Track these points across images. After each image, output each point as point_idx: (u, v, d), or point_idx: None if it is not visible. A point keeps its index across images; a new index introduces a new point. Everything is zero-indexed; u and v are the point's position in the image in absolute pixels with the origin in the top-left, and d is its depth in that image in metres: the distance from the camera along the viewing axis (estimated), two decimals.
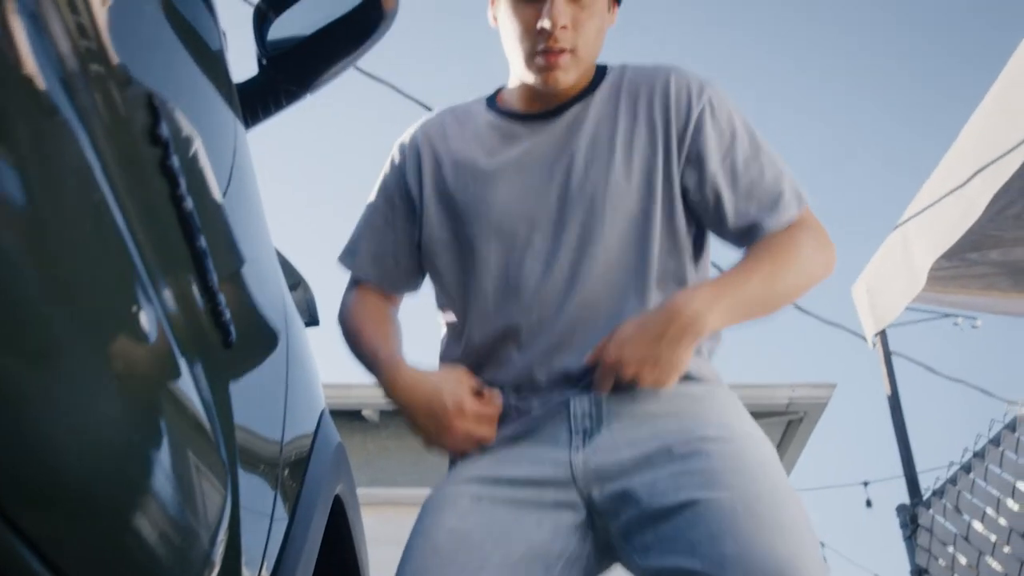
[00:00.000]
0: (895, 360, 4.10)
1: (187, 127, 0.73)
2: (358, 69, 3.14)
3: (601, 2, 1.20)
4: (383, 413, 7.27)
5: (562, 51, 1.17)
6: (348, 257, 1.39)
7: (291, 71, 1.08)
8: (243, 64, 1.11)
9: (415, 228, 1.32)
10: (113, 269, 0.49)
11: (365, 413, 7.24)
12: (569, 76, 1.20)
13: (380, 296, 1.37)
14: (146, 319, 0.53)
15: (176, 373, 0.57)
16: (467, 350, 1.25)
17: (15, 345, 0.38)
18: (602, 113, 1.24)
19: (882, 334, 3.98)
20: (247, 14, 1.13)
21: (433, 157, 1.31)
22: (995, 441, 3.09)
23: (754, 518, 0.98)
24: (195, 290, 0.67)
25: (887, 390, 4.04)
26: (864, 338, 3.95)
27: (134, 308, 0.51)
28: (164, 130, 0.61)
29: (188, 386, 0.60)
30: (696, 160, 1.22)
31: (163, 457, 0.53)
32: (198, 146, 0.77)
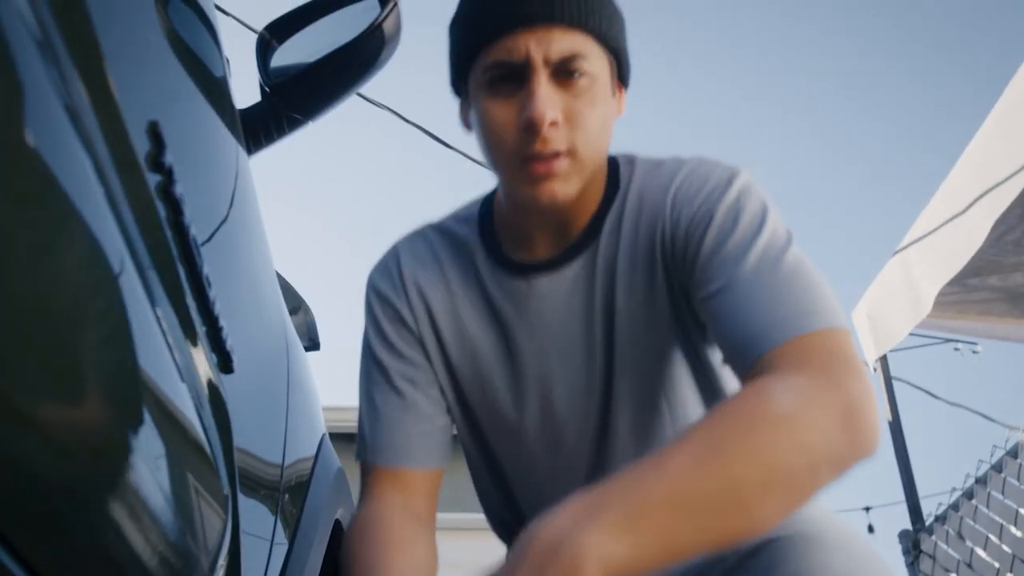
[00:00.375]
0: (896, 385, 4.09)
1: (190, 154, 0.74)
2: (360, 95, 3.16)
3: (601, 85, 0.92)
4: None
5: (556, 155, 0.89)
6: (365, 450, 1.06)
7: (294, 98, 1.09)
8: (246, 91, 1.12)
9: (435, 378, 1.06)
10: (114, 294, 0.49)
11: None
12: (570, 187, 0.91)
13: (402, 500, 1.01)
14: (147, 344, 0.53)
15: (177, 398, 0.57)
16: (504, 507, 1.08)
17: (14, 369, 0.38)
18: (608, 261, 0.97)
19: (883, 359, 3.97)
20: (250, 42, 1.15)
21: (427, 312, 1.05)
22: (997, 467, 3.08)
23: (809, 541, 0.89)
24: (196, 315, 0.68)
25: (888, 415, 4.03)
26: (865, 363, 3.94)
27: (135, 333, 0.51)
28: (167, 157, 0.62)
29: (189, 410, 0.60)
30: (683, 281, 0.94)
31: (163, 481, 0.53)
32: (201, 173, 0.78)
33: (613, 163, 1.02)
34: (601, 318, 0.97)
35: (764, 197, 0.93)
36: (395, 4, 1.08)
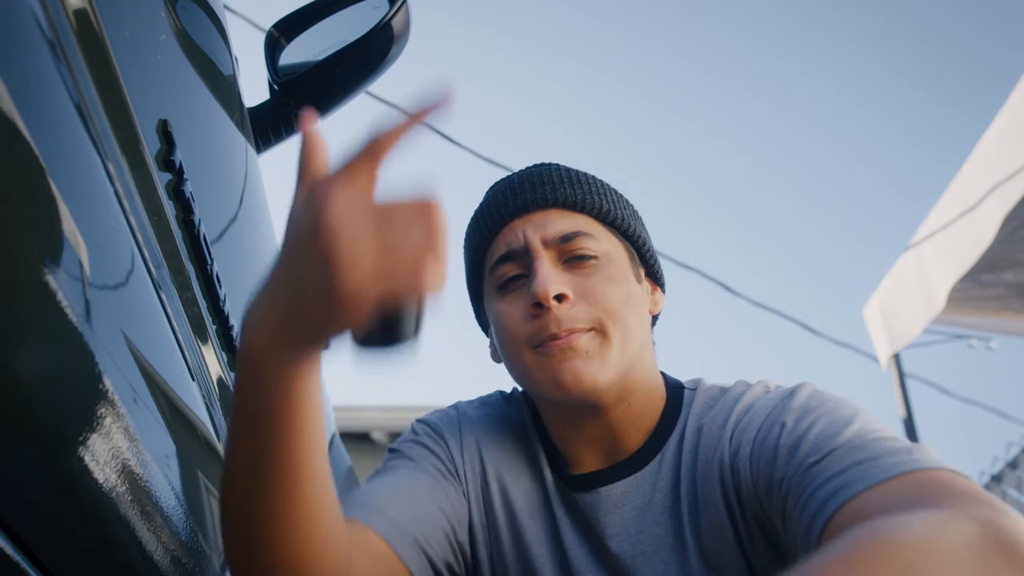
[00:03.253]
0: (909, 382, 4.08)
1: (200, 153, 0.74)
2: (369, 93, 3.17)
3: (618, 266, 0.85)
4: (392, 435, 7.26)
5: (571, 332, 0.80)
6: (364, 510, 0.81)
7: (302, 96, 1.09)
8: (255, 89, 1.12)
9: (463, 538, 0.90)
10: (125, 293, 0.49)
11: (374, 435, 7.24)
12: (596, 368, 0.80)
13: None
14: (158, 342, 0.53)
15: (188, 396, 0.57)
16: None
17: (24, 366, 0.38)
18: (667, 493, 0.85)
19: (896, 356, 3.95)
20: (259, 40, 1.15)
21: (485, 494, 0.92)
22: (1012, 464, 3.06)
23: None
24: (207, 314, 0.68)
25: (902, 412, 4.01)
26: (877, 360, 3.92)
27: (146, 331, 0.51)
28: (178, 156, 0.62)
29: (200, 409, 0.60)
30: (758, 513, 0.79)
31: (174, 479, 0.53)
32: (211, 171, 0.78)
33: (676, 385, 0.91)
34: (677, 546, 0.84)
35: (838, 399, 0.78)
36: (404, 2, 1.07)
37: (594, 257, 0.84)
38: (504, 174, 0.94)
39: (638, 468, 0.87)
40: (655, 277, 0.93)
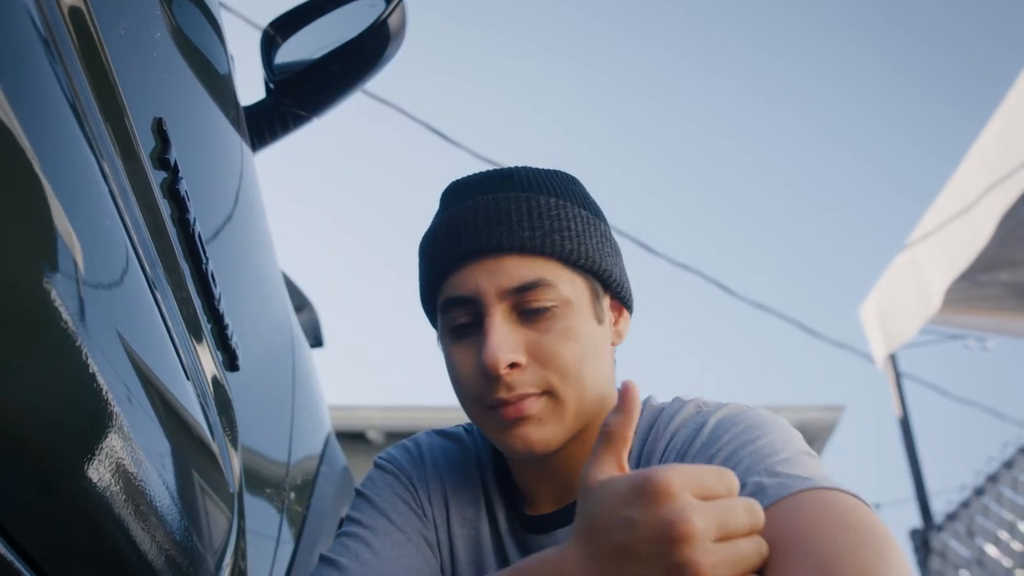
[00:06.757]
0: (905, 382, 4.09)
1: (195, 151, 0.74)
2: (365, 92, 3.17)
3: (577, 315, 0.81)
4: (387, 435, 7.26)
5: (522, 398, 0.78)
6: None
7: (298, 95, 1.09)
8: (251, 88, 1.12)
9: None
10: (120, 292, 0.49)
11: (369, 435, 7.24)
12: (547, 432, 0.79)
13: None
14: (153, 341, 0.53)
15: (183, 396, 0.57)
16: None
17: (20, 367, 0.38)
18: None
19: (892, 356, 3.96)
20: (255, 38, 1.14)
21: (447, 521, 0.91)
22: (1008, 464, 3.07)
23: None
24: (202, 313, 0.68)
25: (898, 412, 4.02)
26: (873, 360, 3.93)
27: (141, 331, 0.51)
28: (172, 154, 0.62)
29: (195, 408, 0.60)
30: None
31: (169, 479, 0.53)
32: (206, 170, 0.77)
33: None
34: None
35: (751, 419, 0.78)
36: (400, 0, 1.07)
37: (551, 308, 0.79)
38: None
39: None
40: (622, 299, 0.88)
